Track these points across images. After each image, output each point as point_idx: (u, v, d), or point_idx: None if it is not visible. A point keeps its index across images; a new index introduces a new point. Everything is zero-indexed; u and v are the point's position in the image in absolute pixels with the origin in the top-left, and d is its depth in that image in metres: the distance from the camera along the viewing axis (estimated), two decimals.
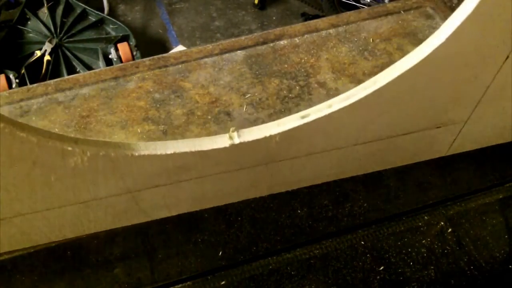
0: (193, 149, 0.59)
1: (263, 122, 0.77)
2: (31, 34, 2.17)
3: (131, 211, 0.69)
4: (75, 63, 2.08)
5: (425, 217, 0.74)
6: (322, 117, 0.60)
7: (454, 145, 0.78)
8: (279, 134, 0.61)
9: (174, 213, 0.75)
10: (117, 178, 0.60)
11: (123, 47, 2.08)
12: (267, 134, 0.61)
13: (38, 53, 2.02)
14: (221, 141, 0.60)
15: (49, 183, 0.58)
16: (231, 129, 0.60)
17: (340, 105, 0.60)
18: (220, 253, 0.72)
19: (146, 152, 0.58)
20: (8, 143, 0.49)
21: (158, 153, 0.58)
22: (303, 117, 0.61)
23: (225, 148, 0.60)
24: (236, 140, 0.60)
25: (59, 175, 0.57)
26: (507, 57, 0.61)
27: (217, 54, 0.94)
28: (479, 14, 0.54)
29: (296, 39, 0.96)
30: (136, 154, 0.57)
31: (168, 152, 0.59)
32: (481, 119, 0.72)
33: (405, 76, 0.58)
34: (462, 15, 0.55)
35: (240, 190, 0.74)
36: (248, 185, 0.73)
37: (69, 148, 0.53)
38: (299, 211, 0.76)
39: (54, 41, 2.08)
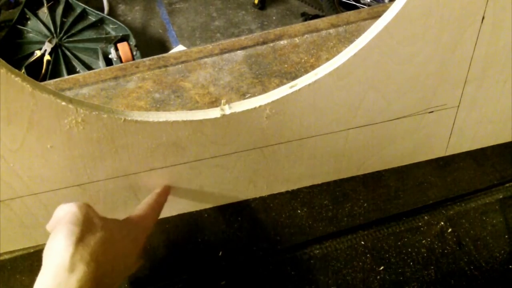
0: (185, 119, 0.59)
1: None
2: (31, 34, 2.17)
3: (130, 206, 0.69)
4: (75, 63, 2.08)
5: (425, 217, 0.74)
6: (309, 85, 0.61)
7: (451, 141, 0.78)
8: (269, 105, 0.62)
9: (174, 213, 0.75)
10: (112, 151, 0.60)
11: (123, 47, 2.08)
12: (258, 105, 0.61)
13: (38, 53, 2.02)
14: (213, 113, 0.61)
15: (45, 152, 0.58)
16: (222, 102, 0.61)
17: (325, 71, 0.61)
18: (220, 253, 0.72)
19: (138, 118, 0.58)
20: (4, 88, 0.50)
21: (150, 120, 0.58)
22: (291, 87, 0.62)
23: (217, 120, 0.61)
24: (227, 111, 0.61)
25: (55, 141, 0.57)
26: (483, 18, 0.60)
27: (217, 54, 0.94)
28: None
29: (296, 39, 0.96)
30: (129, 118, 0.57)
31: (160, 119, 0.58)
32: (474, 104, 0.72)
33: (382, 36, 0.58)
34: None
35: (239, 187, 0.74)
36: (247, 179, 0.73)
37: (63, 103, 0.53)
38: (299, 211, 0.76)
39: (54, 41, 2.08)
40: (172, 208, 0.74)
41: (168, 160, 0.65)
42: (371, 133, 0.71)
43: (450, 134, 0.76)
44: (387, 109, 0.68)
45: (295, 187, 0.77)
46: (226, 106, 0.62)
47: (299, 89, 0.61)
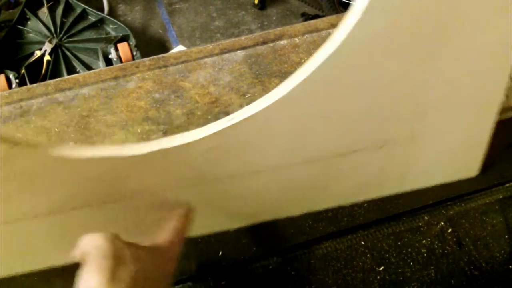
0: (111, 155, 0.55)
1: None
2: (31, 34, 2.17)
3: (63, 243, 0.63)
4: (75, 63, 2.08)
5: (425, 217, 0.74)
6: (248, 119, 0.56)
7: (407, 177, 0.72)
8: (204, 139, 0.56)
9: None
10: (35, 188, 0.56)
11: (123, 47, 2.08)
12: (191, 140, 0.56)
13: (38, 53, 2.02)
14: (142, 149, 0.56)
15: None
16: (155, 136, 0.57)
17: (264, 104, 0.55)
18: (220, 253, 0.72)
19: (63, 154, 0.53)
20: None
21: (75, 155, 0.54)
22: (228, 121, 0.57)
23: (147, 156, 0.56)
24: (157, 147, 0.56)
25: None
26: (438, 48, 0.55)
27: (217, 54, 0.94)
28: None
29: (296, 39, 0.96)
30: (53, 154, 0.53)
31: (86, 156, 0.54)
32: (429, 139, 0.67)
33: (324, 68, 0.53)
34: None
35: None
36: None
37: None
38: None
39: (54, 41, 2.08)
40: None
41: (99, 196, 0.60)
42: (319, 168, 0.65)
43: (406, 170, 0.71)
44: (335, 143, 0.63)
45: (242, 224, 0.72)
46: (156, 142, 0.56)
47: (237, 123, 0.56)
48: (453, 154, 0.72)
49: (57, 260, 0.68)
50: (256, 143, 0.60)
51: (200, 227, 0.70)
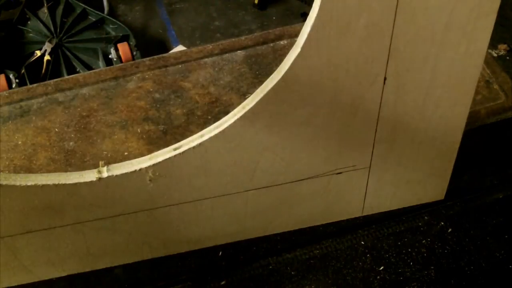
0: (56, 182, 0.55)
1: None
2: (31, 34, 2.16)
3: (11, 266, 0.64)
4: (75, 63, 2.08)
5: (425, 217, 0.74)
6: (194, 148, 0.57)
7: (367, 201, 0.72)
8: (151, 168, 0.58)
9: (63, 273, 0.70)
10: None
11: (123, 47, 2.07)
12: (138, 168, 0.57)
13: (38, 53, 2.02)
14: (89, 176, 0.57)
15: None
16: (100, 163, 0.57)
17: (211, 133, 0.56)
18: (220, 253, 0.72)
19: (3, 182, 0.54)
20: None
21: (17, 184, 0.54)
22: (175, 149, 0.58)
23: (93, 183, 0.57)
24: (105, 174, 0.57)
25: None
26: (385, 78, 0.55)
27: (217, 54, 0.94)
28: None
29: (296, 39, 0.96)
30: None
31: (29, 183, 0.54)
32: (387, 165, 0.67)
33: (269, 98, 0.54)
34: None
35: (131, 248, 0.69)
36: (139, 241, 0.68)
37: None
38: None
39: (54, 41, 2.08)
40: (59, 266, 0.68)
41: (46, 222, 0.60)
42: (274, 194, 0.66)
43: (365, 195, 0.72)
44: (287, 171, 0.64)
45: (196, 247, 0.72)
46: (104, 169, 0.58)
47: (184, 152, 0.57)
48: (416, 181, 0.72)
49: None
50: (206, 170, 0.60)
51: (156, 251, 0.70)
